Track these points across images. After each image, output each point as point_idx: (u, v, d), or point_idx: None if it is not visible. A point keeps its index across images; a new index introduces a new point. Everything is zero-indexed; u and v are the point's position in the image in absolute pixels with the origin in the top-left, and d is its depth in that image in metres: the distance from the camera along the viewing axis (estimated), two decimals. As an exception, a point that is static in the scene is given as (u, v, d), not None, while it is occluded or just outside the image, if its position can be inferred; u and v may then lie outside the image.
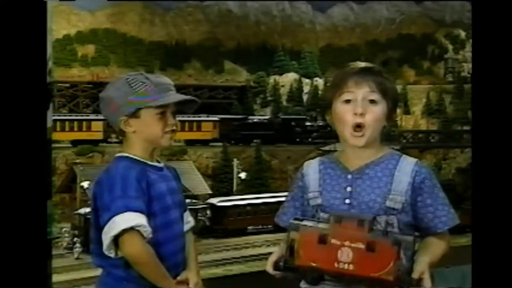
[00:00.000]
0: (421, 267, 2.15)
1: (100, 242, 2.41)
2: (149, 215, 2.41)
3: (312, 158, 2.55)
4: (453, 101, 72.55)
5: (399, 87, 58.52)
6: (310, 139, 53.29)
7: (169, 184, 2.56)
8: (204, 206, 38.16)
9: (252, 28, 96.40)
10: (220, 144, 50.47)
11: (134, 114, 2.50)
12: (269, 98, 75.65)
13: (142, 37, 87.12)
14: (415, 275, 2.11)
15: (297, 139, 54.50)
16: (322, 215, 2.32)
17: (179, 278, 2.52)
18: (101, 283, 2.53)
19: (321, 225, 2.20)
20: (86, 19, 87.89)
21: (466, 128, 58.43)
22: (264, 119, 59.50)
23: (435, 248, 2.31)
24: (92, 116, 50.37)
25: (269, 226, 33.90)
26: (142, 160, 2.51)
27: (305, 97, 76.04)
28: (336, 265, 2.12)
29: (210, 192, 41.36)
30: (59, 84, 61.26)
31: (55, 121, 48.01)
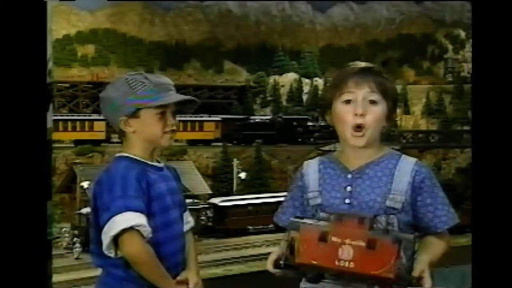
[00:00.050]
0: (421, 265, 2.15)
1: (100, 242, 2.41)
2: (149, 215, 2.41)
3: (311, 158, 2.55)
4: (453, 101, 72.59)
5: (399, 87, 58.54)
6: (312, 139, 53.24)
7: (169, 184, 2.56)
8: (206, 206, 38.23)
9: (252, 28, 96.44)
10: (220, 144, 50.52)
11: (134, 114, 2.50)
12: (269, 98, 75.70)
13: (142, 37, 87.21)
14: (415, 274, 2.11)
15: (299, 139, 54.48)
16: (322, 214, 2.32)
17: (179, 278, 2.52)
18: (101, 283, 2.53)
19: (321, 223, 2.21)
20: (86, 19, 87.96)
21: (466, 128, 58.48)
22: (266, 119, 59.47)
23: (435, 247, 2.31)
24: (94, 116, 50.43)
25: (271, 226, 33.91)
26: (142, 160, 2.51)
27: (305, 97, 76.09)
28: (336, 263, 2.12)
29: (210, 192, 41.39)
30: (59, 84, 61.30)
31: (57, 121, 48.58)
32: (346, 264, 2.11)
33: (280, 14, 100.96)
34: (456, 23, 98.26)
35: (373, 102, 2.31)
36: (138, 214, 2.36)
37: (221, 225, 37.56)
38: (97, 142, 46.72)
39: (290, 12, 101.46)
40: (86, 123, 50.02)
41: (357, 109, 2.29)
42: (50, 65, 2.68)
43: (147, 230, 2.37)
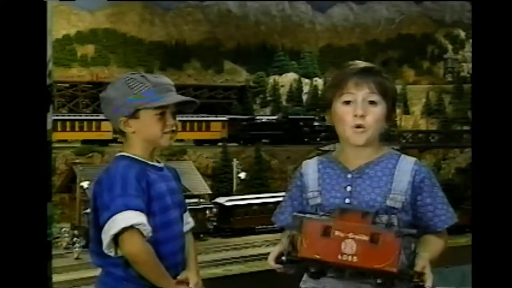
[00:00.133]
0: (423, 261, 2.16)
1: (99, 242, 2.41)
2: (149, 214, 2.41)
3: (311, 158, 2.55)
4: (452, 101, 72.57)
5: (398, 87, 58.53)
6: (318, 139, 53.12)
7: (169, 184, 2.56)
8: (211, 205, 38.34)
9: (252, 28, 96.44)
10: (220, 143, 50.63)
11: (134, 115, 2.50)
12: (268, 98, 75.68)
13: (142, 37, 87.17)
14: (417, 269, 2.13)
15: (306, 139, 54.41)
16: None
17: (179, 277, 2.52)
18: (101, 282, 2.53)
19: (324, 218, 2.21)
20: (86, 19, 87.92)
21: (466, 128, 58.48)
22: (273, 119, 59.38)
23: (434, 246, 2.31)
24: (102, 116, 50.37)
25: (276, 226, 33.90)
26: (142, 160, 2.51)
27: (304, 97, 76.07)
28: (339, 257, 2.12)
29: (210, 192, 41.39)
30: (58, 84, 61.25)
31: (65, 121, 48.50)
32: (349, 258, 2.12)
33: (280, 14, 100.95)
34: (456, 23, 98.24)
35: (372, 102, 2.31)
36: (138, 213, 2.36)
37: (226, 224, 37.64)
38: (104, 142, 46.70)
39: (290, 12, 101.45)
40: (94, 123, 50.02)
41: (357, 110, 2.29)
42: (50, 66, 2.68)
43: (147, 229, 2.37)
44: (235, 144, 51.20)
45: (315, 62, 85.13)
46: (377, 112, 2.31)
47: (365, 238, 2.11)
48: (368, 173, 2.34)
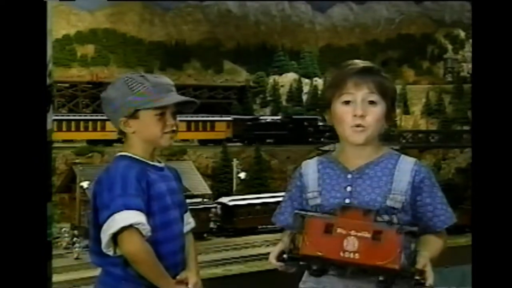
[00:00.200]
0: (424, 259, 2.17)
1: (99, 241, 2.41)
2: (148, 214, 2.41)
3: (311, 158, 2.55)
4: (452, 101, 72.57)
5: (398, 87, 58.54)
6: (322, 139, 53.04)
7: (169, 184, 2.56)
8: (214, 205, 38.35)
9: (251, 28, 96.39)
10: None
11: (133, 115, 2.50)
12: (268, 98, 75.64)
13: (142, 37, 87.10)
14: (418, 266, 2.13)
15: (310, 139, 54.35)
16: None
17: (178, 277, 2.52)
18: (100, 282, 2.53)
19: (326, 215, 2.21)
20: (85, 19, 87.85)
21: (465, 128, 58.49)
22: (277, 119, 59.35)
23: (434, 245, 2.32)
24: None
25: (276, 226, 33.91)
26: (142, 159, 2.51)
27: (304, 97, 76.05)
28: (341, 254, 2.13)
29: (209, 192, 41.38)
30: (58, 84, 61.21)
31: (70, 121, 48.35)
32: (351, 255, 2.12)
33: (279, 14, 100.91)
34: (456, 23, 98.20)
35: (372, 102, 2.31)
36: (137, 212, 2.36)
37: (230, 224, 37.65)
38: (109, 142, 46.68)
39: (289, 12, 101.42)
40: (98, 123, 49.96)
41: (357, 110, 2.29)
42: (50, 66, 2.68)
43: (146, 229, 2.38)
44: (239, 144, 51.16)
45: (315, 62, 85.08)
46: (376, 112, 2.31)
47: (367, 235, 2.12)
48: (368, 173, 2.34)
